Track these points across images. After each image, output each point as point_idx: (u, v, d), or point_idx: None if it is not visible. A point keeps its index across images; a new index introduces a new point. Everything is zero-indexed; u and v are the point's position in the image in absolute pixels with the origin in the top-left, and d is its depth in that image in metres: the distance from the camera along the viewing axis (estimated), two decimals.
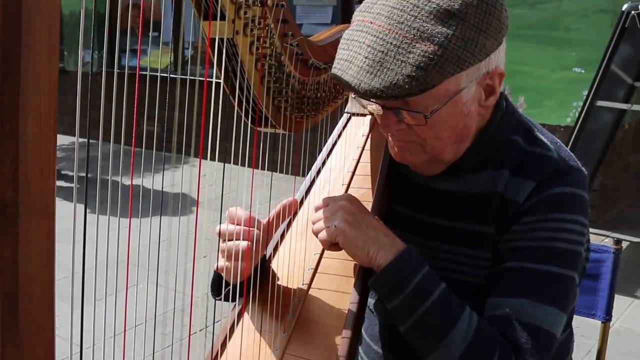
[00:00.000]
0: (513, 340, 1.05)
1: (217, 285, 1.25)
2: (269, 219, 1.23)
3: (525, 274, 1.09)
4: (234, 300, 1.21)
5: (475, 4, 1.00)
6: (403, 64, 0.99)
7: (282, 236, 1.30)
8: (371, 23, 1.05)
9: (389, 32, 1.02)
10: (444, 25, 0.99)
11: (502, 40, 1.06)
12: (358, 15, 1.09)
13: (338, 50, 1.09)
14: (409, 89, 0.99)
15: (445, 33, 0.99)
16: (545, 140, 1.17)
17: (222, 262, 1.18)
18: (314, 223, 1.15)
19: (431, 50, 0.99)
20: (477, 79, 1.07)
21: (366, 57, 1.02)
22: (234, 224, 1.18)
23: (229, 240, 1.17)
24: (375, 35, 1.03)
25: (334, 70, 1.08)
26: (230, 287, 1.18)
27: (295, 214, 1.33)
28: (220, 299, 1.23)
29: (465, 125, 1.11)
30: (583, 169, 1.17)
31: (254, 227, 1.18)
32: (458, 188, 1.18)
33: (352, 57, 1.05)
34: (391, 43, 1.01)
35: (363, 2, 1.10)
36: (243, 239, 1.16)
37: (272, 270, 1.25)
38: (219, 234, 1.19)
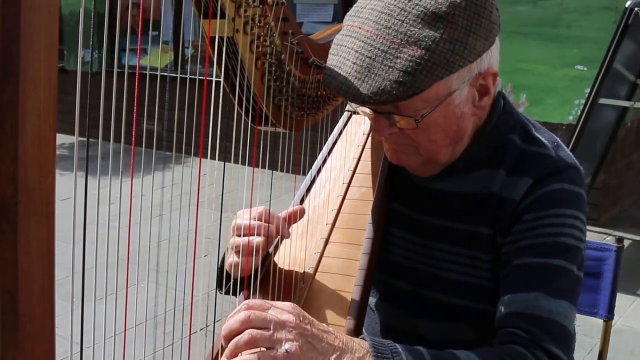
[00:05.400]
0: (531, 334, 1.03)
1: (222, 280, 1.26)
2: (282, 217, 1.22)
3: (534, 269, 1.08)
4: (237, 294, 1.21)
5: (464, 5, 1.00)
6: (390, 69, 0.99)
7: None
8: (359, 28, 1.05)
9: (376, 37, 1.01)
10: (432, 29, 0.99)
11: (494, 40, 1.05)
12: (348, 19, 1.09)
13: (329, 55, 1.10)
14: (396, 95, 0.99)
15: (432, 36, 0.98)
16: (542, 139, 1.17)
17: (232, 258, 1.17)
18: (237, 346, 0.87)
19: (418, 54, 0.98)
20: (469, 80, 1.06)
21: (354, 63, 1.03)
22: (249, 219, 1.17)
23: (244, 236, 1.16)
24: (363, 41, 1.03)
25: (324, 77, 1.08)
26: (238, 280, 1.18)
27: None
28: (227, 293, 1.22)
29: (459, 127, 1.11)
30: (581, 167, 1.16)
31: (269, 222, 1.17)
32: (455, 188, 1.18)
33: (340, 63, 1.05)
34: (378, 48, 1.01)
35: (353, 6, 1.10)
36: (257, 234, 1.15)
37: (272, 269, 1.25)
38: (235, 228, 1.18)
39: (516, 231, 1.11)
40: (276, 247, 1.29)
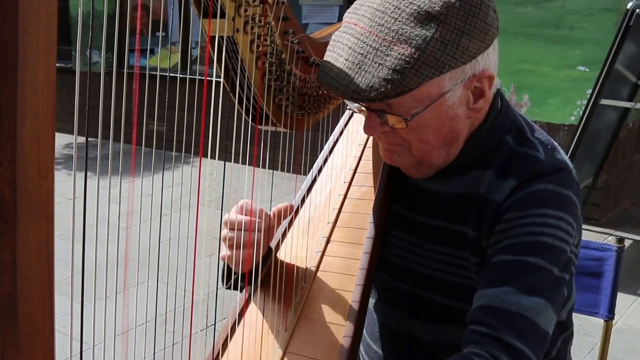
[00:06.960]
0: (493, 328, 0.99)
1: (226, 275, 1.26)
2: (272, 212, 1.23)
3: (508, 265, 1.04)
4: (242, 289, 1.21)
5: (458, 5, 0.99)
6: (380, 66, 0.99)
7: (284, 234, 1.30)
8: (355, 25, 1.05)
9: (369, 35, 1.01)
10: (423, 28, 0.98)
11: (490, 43, 1.04)
12: (347, 16, 1.09)
13: (326, 51, 1.09)
14: (384, 92, 0.99)
15: (423, 36, 0.98)
16: (535, 141, 1.14)
17: (224, 251, 1.18)
18: None
19: (408, 53, 0.98)
20: (462, 81, 1.04)
21: (347, 59, 1.03)
22: (241, 214, 1.18)
23: (232, 229, 1.17)
24: (356, 37, 1.03)
25: (318, 72, 1.08)
26: (239, 274, 1.18)
27: (297, 212, 1.32)
28: (230, 287, 1.22)
29: (452, 129, 1.09)
30: (573, 171, 1.13)
31: (259, 218, 1.17)
32: (446, 189, 1.17)
33: (334, 59, 1.05)
34: (370, 45, 1.01)
35: (354, 2, 1.10)
36: (246, 229, 1.16)
37: (274, 268, 1.25)
38: (226, 222, 1.18)
39: (497, 231, 1.08)
40: (277, 247, 1.29)
